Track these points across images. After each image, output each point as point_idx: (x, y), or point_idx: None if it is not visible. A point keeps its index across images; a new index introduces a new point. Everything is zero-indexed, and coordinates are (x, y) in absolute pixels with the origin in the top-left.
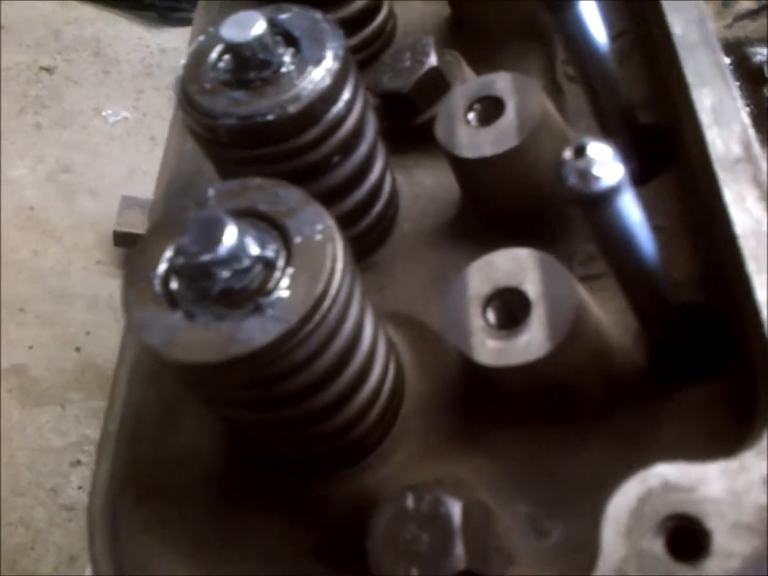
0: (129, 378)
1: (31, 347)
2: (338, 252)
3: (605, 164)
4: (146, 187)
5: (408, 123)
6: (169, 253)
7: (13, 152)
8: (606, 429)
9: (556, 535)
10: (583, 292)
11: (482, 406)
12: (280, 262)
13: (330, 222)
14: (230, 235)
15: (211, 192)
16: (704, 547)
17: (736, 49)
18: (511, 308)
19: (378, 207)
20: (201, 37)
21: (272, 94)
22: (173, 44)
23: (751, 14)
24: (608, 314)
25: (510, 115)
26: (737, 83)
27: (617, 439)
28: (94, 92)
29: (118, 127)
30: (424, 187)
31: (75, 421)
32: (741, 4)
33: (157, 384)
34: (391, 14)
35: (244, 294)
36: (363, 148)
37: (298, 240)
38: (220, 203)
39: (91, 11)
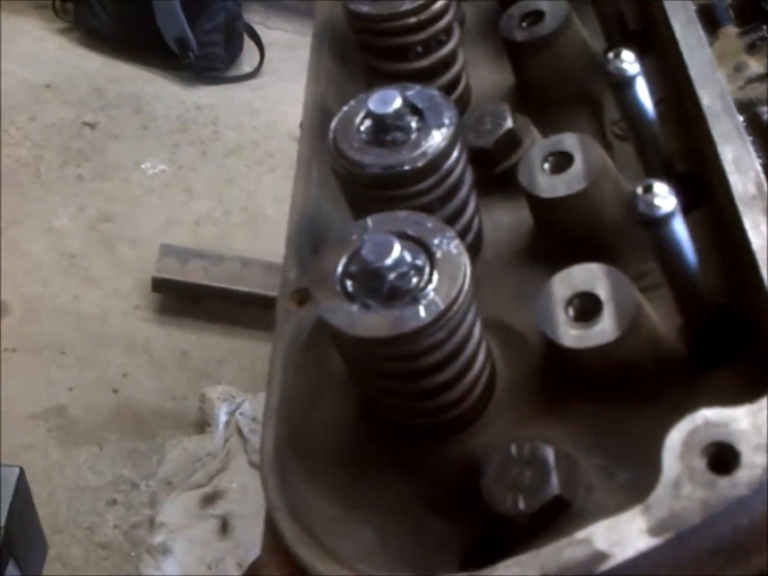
0: (282, 368)
1: (71, 388)
2: (467, 262)
3: (664, 197)
4: (182, 236)
5: (488, 173)
6: (342, 264)
7: (56, 202)
8: (657, 402)
9: (622, 478)
10: (640, 295)
11: (561, 385)
12: (427, 269)
13: (459, 241)
14: (396, 249)
15: (369, 222)
16: (736, 464)
17: (747, 108)
18: (586, 307)
19: (470, 237)
20: (345, 107)
21: (405, 151)
22: (208, 101)
23: (761, 78)
24: (659, 316)
25: (578, 165)
26: (750, 138)
27: (665, 409)
28: (134, 146)
29: (155, 179)
30: (501, 223)
31: (111, 461)
32: (751, 69)
33: (303, 373)
34: (468, 86)
35: (404, 291)
36: (462, 193)
37: (439, 254)
38: (377, 228)
39: (131, 71)
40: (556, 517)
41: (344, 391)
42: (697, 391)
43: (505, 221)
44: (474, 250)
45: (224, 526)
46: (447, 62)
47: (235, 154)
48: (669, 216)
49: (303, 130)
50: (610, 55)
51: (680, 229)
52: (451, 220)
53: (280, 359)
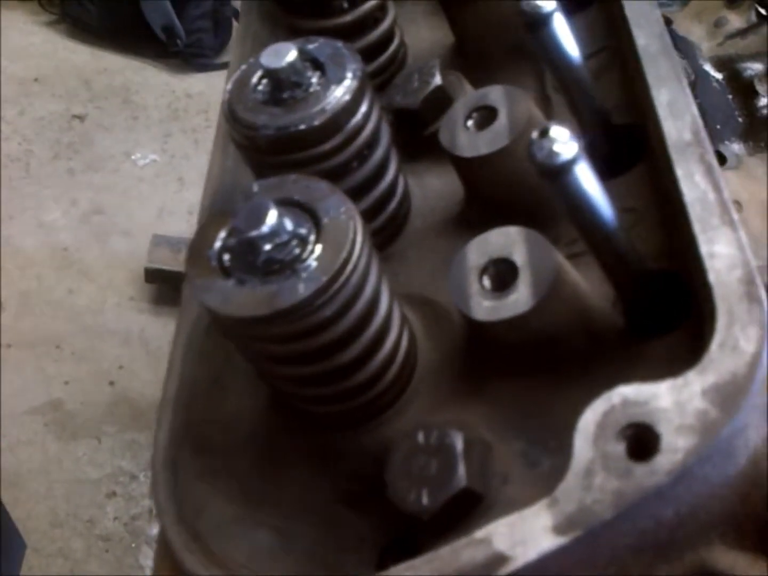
0: (183, 354)
1: (67, 382)
2: (358, 228)
3: (564, 142)
4: (175, 226)
5: (418, 135)
6: (222, 236)
7: (47, 196)
8: (588, 377)
9: (546, 465)
10: (561, 259)
11: (482, 362)
12: (312, 238)
13: (351, 205)
14: (272, 216)
15: (255, 187)
16: (655, 447)
17: (728, 64)
18: (502, 275)
19: (392, 205)
20: (243, 66)
21: (302, 109)
22: (198, 89)
23: (741, 33)
24: (590, 284)
25: (502, 120)
26: (730, 96)
27: (598, 385)
28: (124, 137)
29: (147, 169)
30: (432, 189)
31: (110, 453)
32: (731, 24)
33: (207, 359)
34: (402, 43)
35: (283, 263)
36: (378, 154)
37: (326, 220)
38: (263, 194)
39: (119, 61)
40: (467, 512)
41: (252, 378)
42: (634, 364)
43: (436, 187)
44: (400, 219)
45: None
46: (376, 18)
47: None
48: (570, 163)
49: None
50: None
51: (587, 177)
52: (367, 187)
53: (181, 344)
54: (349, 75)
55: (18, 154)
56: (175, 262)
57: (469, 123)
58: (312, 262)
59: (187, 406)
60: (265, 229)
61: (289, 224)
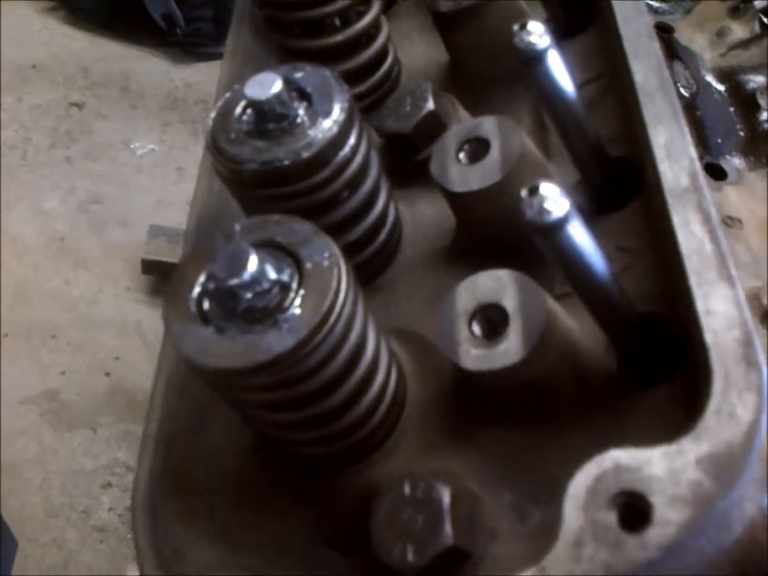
0: (165, 389)
1: (63, 372)
2: (342, 275)
3: (554, 200)
4: (173, 216)
5: (410, 160)
6: (202, 279)
7: (45, 185)
8: (580, 426)
9: (536, 519)
10: (553, 304)
11: (471, 408)
12: (294, 285)
13: (335, 250)
14: (252, 263)
15: (237, 227)
16: (647, 518)
17: (730, 76)
18: (492, 321)
19: (382, 236)
20: (227, 94)
21: (288, 142)
22: (197, 78)
23: (744, 44)
24: (584, 326)
25: (494, 154)
26: (732, 108)
27: (590, 434)
28: (122, 126)
29: (145, 159)
30: (425, 216)
31: (105, 444)
32: (734, 34)
33: (189, 394)
34: (396, 61)
35: (264, 311)
36: (368, 185)
37: (308, 266)
38: (245, 236)
39: (118, 49)
40: (453, 569)
41: (235, 415)
42: (627, 413)
43: (428, 214)
44: (390, 249)
45: None
46: (370, 35)
47: None
48: (561, 221)
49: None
50: (515, 27)
51: (579, 234)
52: (356, 218)
53: (163, 379)
54: (337, 107)
55: (15, 141)
56: (172, 254)
57: (461, 155)
58: (294, 311)
59: (168, 444)
60: (246, 276)
61: (270, 271)
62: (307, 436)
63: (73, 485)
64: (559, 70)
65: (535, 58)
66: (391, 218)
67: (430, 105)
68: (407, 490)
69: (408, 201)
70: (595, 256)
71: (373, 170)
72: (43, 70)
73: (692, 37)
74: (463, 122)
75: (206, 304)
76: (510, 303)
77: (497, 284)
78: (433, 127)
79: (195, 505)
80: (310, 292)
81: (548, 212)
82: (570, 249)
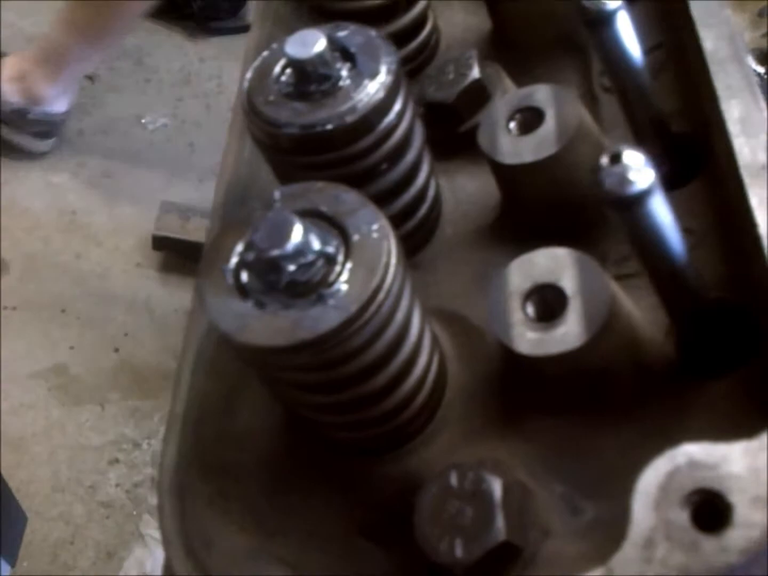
0: (193, 366)
1: (72, 347)
2: (392, 248)
3: (638, 170)
4: (184, 192)
5: (451, 132)
6: (239, 250)
7: (56, 158)
8: (637, 416)
9: (589, 513)
10: (615, 288)
11: (521, 393)
12: (340, 258)
13: (385, 221)
14: (297, 233)
15: (276, 195)
16: (727, 519)
17: None
18: (548, 303)
19: (423, 210)
20: (265, 53)
21: (331, 105)
22: (211, 53)
23: None
24: (639, 311)
25: (549, 124)
26: None
27: (647, 426)
28: (135, 100)
29: (157, 133)
30: (466, 192)
31: (113, 420)
32: None
33: (218, 372)
34: (435, 29)
35: (308, 286)
36: (410, 156)
37: (356, 237)
38: (285, 205)
39: None
40: (503, 566)
41: (267, 395)
42: (688, 406)
43: (469, 190)
44: (429, 226)
45: None
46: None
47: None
48: (644, 194)
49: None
50: None
51: (661, 210)
52: (396, 191)
53: (190, 357)
54: (383, 69)
55: None
56: (184, 231)
57: (512, 125)
58: (340, 287)
59: (196, 425)
60: (289, 247)
61: (315, 242)
62: (344, 419)
63: (80, 460)
64: (628, 34)
65: (604, 19)
66: (432, 192)
67: (475, 73)
68: (454, 480)
69: (448, 175)
70: (674, 234)
71: (417, 140)
72: None
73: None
74: (509, 92)
75: (244, 277)
76: (569, 284)
77: (554, 263)
78: (478, 96)
79: (225, 490)
80: (358, 265)
81: (631, 183)
82: (650, 225)
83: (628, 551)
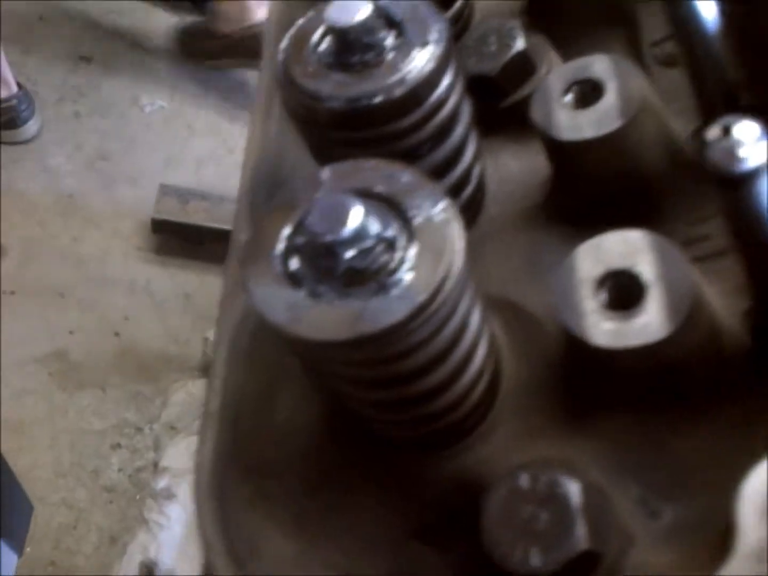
0: (227, 358)
1: (71, 332)
2: (460, 231)
3: (751, 145)
4: (182, 175)
5: (494, 107)
6: (285, 233)
7: (52, 140)
8: (715, 412)
9: (668, 517)
10: (698, 274)
11: (590, 387)
12: (401, 242)
13: (449, 202)
14: (356, 216)
15: (325, 174)
16: None
17: None
18: (623, 291)
19: (468, 190)
20: (301, 21)
21: (377, 77)
22: None
23: None
24: (717, 296)
25: (610, 98)
26: None
27: (727, 422)
28: (131, 82)
29: (154, 115)
30: (510, 171)
31: (115, 404)
32: None
33: (255, 364)
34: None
35: (367, 273)
36: (458, 132)
37: (418, 220)
38: (335, 185)
39: (128, 2)
40: (583, 575)
41: (307, 388)
42: (766, 402)
43: (514, 170)
44: (474, 207)
45: None
46: None
47: (237, 91)
48: (758, 171)
49: (264, 52)
50: None
51: None
52: (441, 171)
53: (225, 349)
54: (433, 38)
55: None
56: (183, 214)
57: (567, 98)
58: (404, 275)
59: (234, 421)
60: (347, 232)
61: (374, 225)
62: (400, 416)
63: (82, 445)
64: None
65: None
66: (477, 171)
67: (521, 44)
68: (525, 482)
69: (491, 153)
70: None
71: (465, 115)
72: (50, 22)
73: None
74: (554, 66)
75: (293, 264)
76: (647, 269)
77: (628, 247)
78: (523, 69)
79: (267, 490)
80: (423, 251)
81: (742, 159)
82: (758, 204)
83: (738, 563)
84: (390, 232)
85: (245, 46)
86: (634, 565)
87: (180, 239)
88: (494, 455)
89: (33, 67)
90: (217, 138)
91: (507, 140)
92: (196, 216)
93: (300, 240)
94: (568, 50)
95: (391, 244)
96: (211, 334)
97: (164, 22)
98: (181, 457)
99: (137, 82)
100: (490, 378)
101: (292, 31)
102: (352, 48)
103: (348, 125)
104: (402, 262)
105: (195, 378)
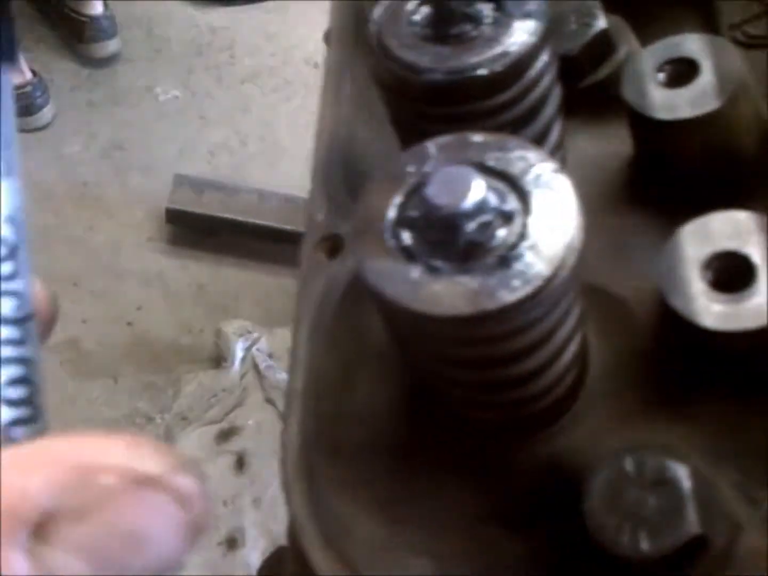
0: (308, 339)
1: (84, 321)
2: (578, 205)
3: None
4: (196, 165)
5: (572, 87)
6: (395, 206)
7: (67, 129)
8: None
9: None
10: None
11: (686, 371)
12: (518, 217)
13: (567, 176)
14: (477, 188)
15: (431, 147)
16: None
17: None
18: (730, 273)
19: None
20: None
21: (478, 49)
22: (223, 24)
23: None
24: None
25: (706, 77)
26: None
27: None
28: (146, 71)
29: (168, 105)
30: (587, 154)
31: (126, 394)
32: None
33: (335, 345)
34: None
35: (486, 248)
36: (549, 110)
37: (535, 193)
38: (442, 158)
39: None
40: (689, 562)
41: (390, 367)
42: None
43: (591, 153)
44: None
45: (240, 463)
46: None
47: (251, 81)
48: None
49: (332, 34)
50: None
51: None
52: None
53: (306, 328)
54: (533, 10)
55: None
56: (198, 204)
57: (660, 77)
58: (524, 251)
59: (317, 401)
60: (469, 205)
61: (493, 198)
62: (496, 397)
63: None
64: None
65: None
66: (562, 151)
67: (602, 23)
68: (630, 467)
69: (568, 135)
70: None
71: (556, 94)
72: None
73: None
74: (633, 47)
75: (406, 238)
76: (756, 251)
77: (735, 228)
78: (603, 48)
79: (353, 471)
80: (542, 224)
81: None
82: None
83: None
84: (508, 206)
85: None
86: (745, 554)
87: (194, 229)
88: (585, 438)
89: (46, 54)
90: (230, 128)
91: (583, 122)
92: (211, 206)
93: (413, 213)
94: (640, 33)
95: (509, 218)
96: (224, 326)
97: (179, 11)
98: (193, 447)
99: (151, 71)
100: (583, 360)
101: (385, 1)
102: (451, 19)
103: (443, 99)
104: (521, 237)
105: (207, 369)
